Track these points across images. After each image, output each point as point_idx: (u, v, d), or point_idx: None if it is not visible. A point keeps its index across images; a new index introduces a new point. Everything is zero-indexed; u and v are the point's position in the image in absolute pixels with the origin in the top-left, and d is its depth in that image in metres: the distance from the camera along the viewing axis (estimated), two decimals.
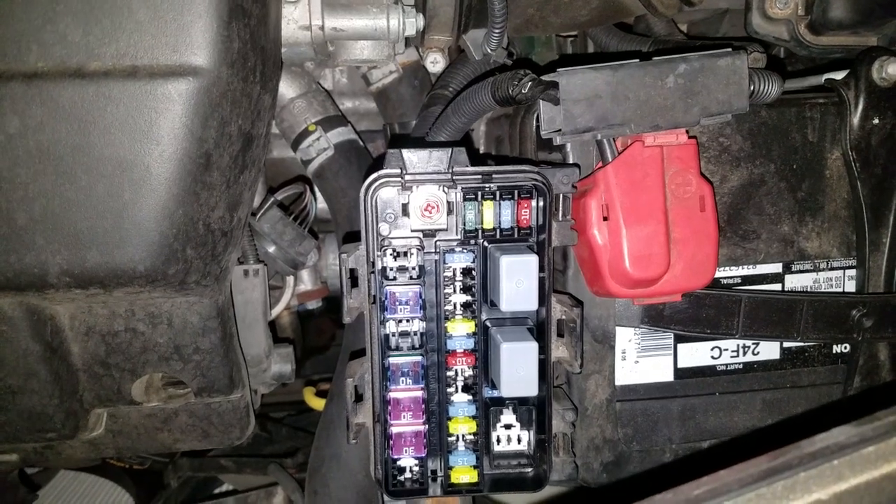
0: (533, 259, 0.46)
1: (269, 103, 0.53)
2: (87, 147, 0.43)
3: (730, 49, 0.49)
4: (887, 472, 0.29)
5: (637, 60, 0.47)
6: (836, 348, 0.58)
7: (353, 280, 0.48)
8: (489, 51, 0.56)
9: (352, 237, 0.54)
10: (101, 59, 0.43)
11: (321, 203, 0.81)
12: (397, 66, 0.76)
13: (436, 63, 0.60)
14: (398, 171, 0.47)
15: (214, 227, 0.49)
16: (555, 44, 0.74)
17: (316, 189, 0.80)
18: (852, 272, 0.57)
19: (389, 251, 0.47)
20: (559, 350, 0.51)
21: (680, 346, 0.56)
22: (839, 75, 0.57)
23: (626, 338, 0.55)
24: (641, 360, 0.55)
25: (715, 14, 0.71)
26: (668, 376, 0.56)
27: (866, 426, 0.30)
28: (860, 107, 0.55)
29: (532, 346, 0.46)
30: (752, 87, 0.49)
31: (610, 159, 0.48)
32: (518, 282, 0.46)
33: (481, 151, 0.73)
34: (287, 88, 0.76)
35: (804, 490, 0.28)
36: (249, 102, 0.48)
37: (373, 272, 0.47)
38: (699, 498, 0.28)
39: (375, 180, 0.46)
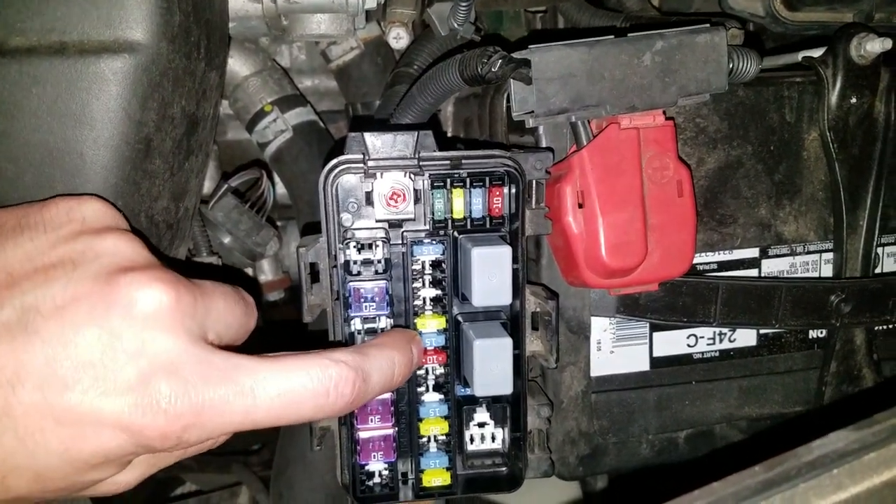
0: (506, 250, 0.43)
1: (217, 82, 0.49)
2: (12, 133, 0.39)
3: (708, 25, 0.46)
4: (888, 478, 0.27)
5: (612, 37, 0.45)
6: (813, 333, 0.57)
7: (314, 275, 0.45)
8: (456, 26, 0.53)
9: (311, 228, 0.50)
10: (25, 35, 0.38)
11: (281, 188, 0.77)
12: (359, 41, 0.72)
13: (399, 39, 0.57)
14: (360, 156, 0.43)
15: (158, 219, 0.45)
16: (524, 19, 0.71)
17: (275, 174, 0.76)
18: (829, 256, 0.56)
19: (353, 243, 0.44)
20: (534, 344, 0.48)
21: (655, 334, 0.54)
22: (816, 53, 0.55)
23: (602, 328, 0.53)
24: (617, 350, 0.53)
25: None
26: (643, 366, 0.54)
27: (865, 431, 0.28)
28: (838, 85, 0.53)
29: (506, 343, 0.44)
30: (731, 65, 0.47)
31: (585, 143, 0.46)
32: (491, 275, 0.43)
33: (449, 134, 0.70)
34: (240, 66, 0.72)
35: (803, 501, 0.26)
36: (193, 81, 0.44)
37: (335, 266, 0.44)
38: None
39: (335, 167, 0.43)
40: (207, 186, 0.70)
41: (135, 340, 0.32)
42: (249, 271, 0.69)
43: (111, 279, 0.32)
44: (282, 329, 0.78)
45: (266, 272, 0.76)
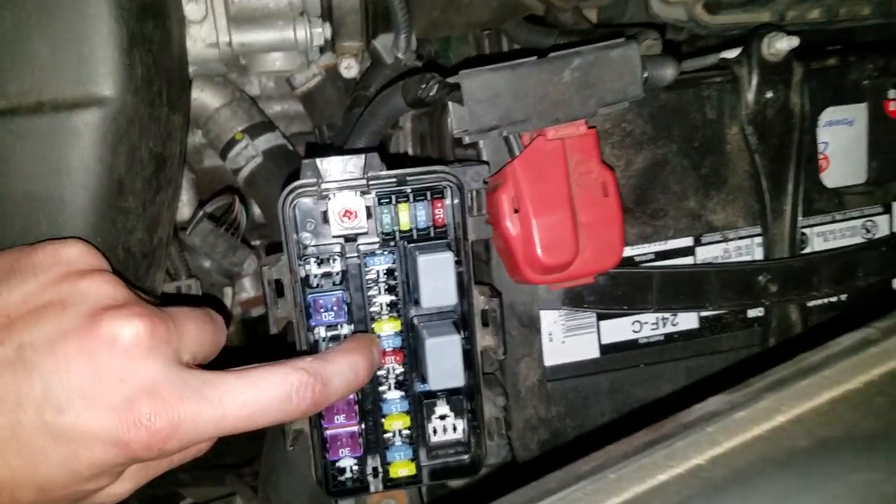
0: (448, 256, 0.48)
1: (181, 122, 0.53)
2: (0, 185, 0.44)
3: (622, 39, 0.51)
4: (757, 434, 0.32)
5: (534, 58, 0.49)
6: (751, 313, 0.61)
7: (280, 290, 0.49)
8: (399, 55, 0.58)
9: (276, 247, 0.55)
10: (6, 98, 0.43)
11: (257, 210, 0.82)
12: (320, 69, 0.76)
13: (350, 68, 0.62)
14: (314, 180, 0.48)
15: (134, 249, 0.50)
16: (471, 37, 0.76)
17: (250, 197, 0.81)
18: (759, 239, 0.61)
19: (312, 259, 0.49)
20: (486, 339, 0.53)
21: (602, 323, 0.58)
22: (733, 53, 0.59)
23: (552, 320, 0.57)
24: (567, 340, 0.58)
25: None
26: (594, 353, 0.58)
27: (737, 394, 0.33)
28: (754, 82, 0.58)
29: (454, 339, 0.49)
30: (645, 74, 0.52)
31: (517, 154, 0.51)
32: (436, 278, 0.48)
33: (409, 148, 0.75)
34: (211, 99, 0.76)
35: (683, 457, 0.31)
36: (158, 125, 0.49)
37: (297, 282, 0.49)
38: (588, 472, 0.30)
39: (291, 192, 0.48)
40: (185, 213, 0.75)
41: (118, 369, 0.36)
42: (229, 290, 0.74)
43: (96, 317, 0.37)
44: (269, 340, 0.83)
45: (247, 290, 0.80)
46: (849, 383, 0.32)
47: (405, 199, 0.49)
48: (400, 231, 0.49)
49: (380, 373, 0.51)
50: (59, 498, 0.38)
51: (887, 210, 0.64)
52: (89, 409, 0.36)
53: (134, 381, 0.36)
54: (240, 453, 0.93)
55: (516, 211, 0.50)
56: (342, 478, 0.51)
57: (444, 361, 0.48)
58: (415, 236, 0.49)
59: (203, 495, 0.92)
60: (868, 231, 0.64)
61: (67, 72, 0.44)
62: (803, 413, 0.32)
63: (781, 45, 0.57)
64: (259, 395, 0.38)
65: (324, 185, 0.48)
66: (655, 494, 0.30)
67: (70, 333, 0.36)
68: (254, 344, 0.82)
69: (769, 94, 0.58)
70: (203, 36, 0.57)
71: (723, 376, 0.58)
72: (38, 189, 0.44)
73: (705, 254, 0.60)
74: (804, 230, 0.62)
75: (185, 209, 0.75)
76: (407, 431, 0.51)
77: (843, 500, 0.30)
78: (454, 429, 0.53)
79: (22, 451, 0.36)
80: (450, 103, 0.50)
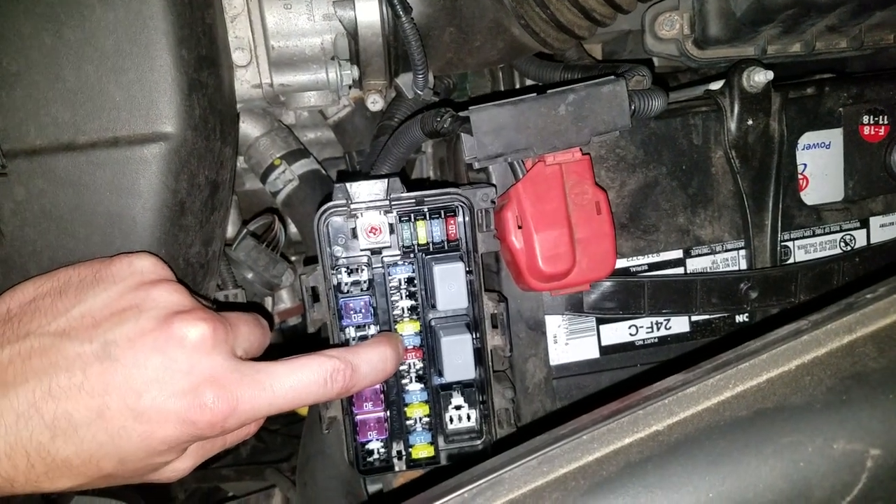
0: (460, 266, 0.56)
1: (230, 153, 0.62)
2: (83, 206, 0.52)
3: (612, 77, 0.58)
4: (706, 406, 0.38)
5: (534, 94, 0.57)
6: (739, 318, 0.68)
7: (315, 296, 0.57)
8: (417, 91, 0.66)
9: (313, 260, 0.63)
10: (88, 134, 0.52)
11: (293, 228, 0.91)
12: (350, 101, 0.85)
13: (375, 103, 0.70)
14: (344, 202, 0.56)
15: (193, 261, 0.58)
16: (486, 71, 0.84)
17: (287, 217, 0.89)
18: (744, 252, 0.67)
19: (343, 269, 0.57)
20: (495, 339, 0.60)
21: (602, 326, 0.65)
22: (717, 85, 0.66)
23: (556, 324, 0.64)
24: (571, 342, 0.65)
25: (621, 34, 0.81)
26: (594, 354, 0.65)
27: (690, 373, 0.39)
28: (735, 111, 0.65)
29: (466, 338, 0.56)
30: (633, 107, 0.58)
31: (520, 177, 0.58)
32: (450, 285, 0.55)
33: (430, 170, 0.83)
34: (252, 129, 0.85)
35: (644, 423, 0.38)
36: (213, 156, 0.58)
37: (330, 289, 0.56)
38: (565, 435, 0.37)
39: (325, 211, 0.56)
40: (230, 231, 0.84)
41: (187, 362, 0.44)
42: (269, 300, 0.82)
43: (167, 320, 0.45)
44: (303, 341, 0.91)
45: (285, 301, 0.88)
46: (783, 366, 0.39)
47: (423, 217, 0.57)
48: (418, 244, 0.57)
49: (402, 367, 0.58)
50: (134, 469, 0.46)
51: (864, 225, 0.70)
52: (163, 395, 0.43)
53: (199, 372, 0.44)
54: (277, 452, 1.02)
55: (520, 227, 0.57)
56: (371, 459, 0.58)
57: (458, 357, 0.56)
58: (431, 249, 0.57)
59: (245, 489, 1.00)
60: (847, 244, 0.70)
61: (138, 112, 0.53)
62: (744, 389, 0.38)
63: (759, 77, 0.64)
64: (301, 380, 0.46)
65: (353, 206, 0.56)
66: (621, 453, 0.37)
67: (146, 333, 0.44)
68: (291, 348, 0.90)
69: (750, 122, 0.65)
70: (248, 78, 0.65)
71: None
72: (113, 209, 0.53)
73: (695, 265, 0.66)
74: (786, 243, 0.68)
75: (229, 227, 0.83)
76: (426, 419, 0.59)
77: (774, 458, 0.36)
78: (468, 418, 0.60)
79: (108, 428, 0.43)
80: (462, 134, 0.58)
